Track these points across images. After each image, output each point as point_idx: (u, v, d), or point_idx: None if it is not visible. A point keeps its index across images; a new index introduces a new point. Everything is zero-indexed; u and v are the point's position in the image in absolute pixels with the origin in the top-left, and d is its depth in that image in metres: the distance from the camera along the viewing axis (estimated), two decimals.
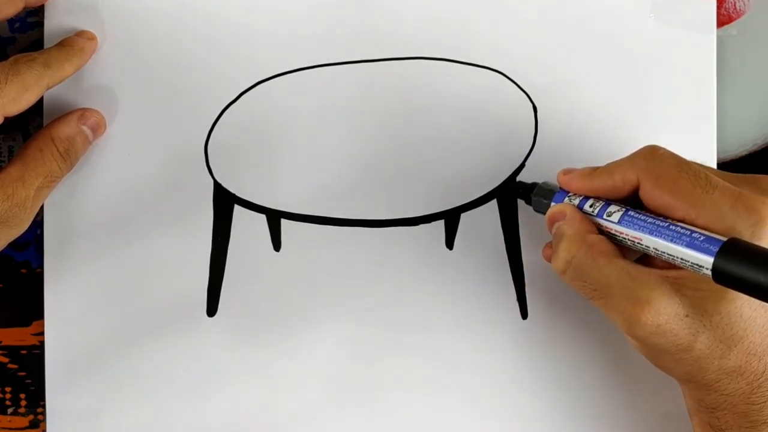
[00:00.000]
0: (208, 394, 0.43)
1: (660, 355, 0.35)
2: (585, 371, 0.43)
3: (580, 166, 0.43)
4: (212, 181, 0.44)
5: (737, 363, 0.34)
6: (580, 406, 0.43)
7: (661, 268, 0.35)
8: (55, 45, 0.42)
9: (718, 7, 0.44)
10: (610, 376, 0.43)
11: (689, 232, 0.33)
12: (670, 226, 0.34)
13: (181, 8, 0.44)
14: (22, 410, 0.45)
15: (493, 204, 0.43)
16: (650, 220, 0.35)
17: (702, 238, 0.32)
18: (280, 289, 0.43)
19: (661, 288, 0.34)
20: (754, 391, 0.34)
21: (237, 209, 0.44)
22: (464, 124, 0.43)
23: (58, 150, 0.40)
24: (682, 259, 0.33)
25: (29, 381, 0.45)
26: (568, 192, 0.38)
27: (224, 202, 0.44)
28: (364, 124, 0.44)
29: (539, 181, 0.40)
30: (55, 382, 0.43)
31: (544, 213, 0.39)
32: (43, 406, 0.44)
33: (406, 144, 0.43)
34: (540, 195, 0.40)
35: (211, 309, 0.43)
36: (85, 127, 0.42)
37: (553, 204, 0.39)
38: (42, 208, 0.43)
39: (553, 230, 0.38)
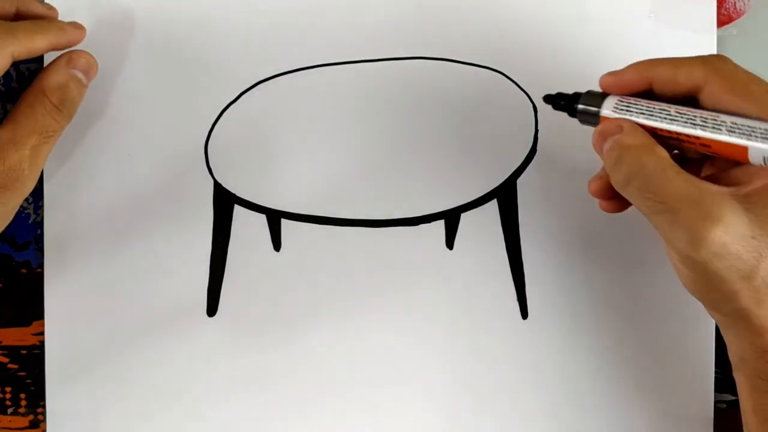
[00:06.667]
0: (207, 394, 0.43)
1: (717, 284, 0.34)
2: (585, 371, 0.43)
3: (580, 166, 0.43)
4: (212, 181, 0.44)
5: None
6: (581, 406, 0.43)
7: (726, 186, 0.34)
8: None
9: (718, 7, 0.44)
10: (610, 376, 0.43)
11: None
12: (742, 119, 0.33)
13: (180, 9, 0.44)
14: (22, 410, 0.45)
15: (493, 204, 0.43)
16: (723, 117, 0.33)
17: None
18: (280, 289, 0.43)
19: (731, 205, 0.32)
20: None
21: (237, 209, 0.44)
22: (464, 124, 0.43)
23: (51, 102, 0.39)
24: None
25: (29, 381, 0.45)
26: (617, 96, 0.36)
27: (224, 202, 0.44)
28: (364, 123, 0.44)
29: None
30: (55, 382, 0.43)
31: (593, 124, 0.37)
32: (43, 406, 0.44)
33: (406, 144, 0.43)
34: (587, 103, 0.37)
35: (211, 309, 0.43)
36: (76, 71, 0.40)
37: (603, 111, 0.36)
38: (42, 207, 0.43)
39: (607, 145, 0.36)
